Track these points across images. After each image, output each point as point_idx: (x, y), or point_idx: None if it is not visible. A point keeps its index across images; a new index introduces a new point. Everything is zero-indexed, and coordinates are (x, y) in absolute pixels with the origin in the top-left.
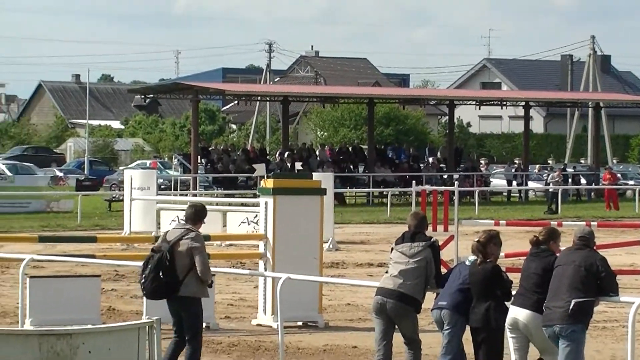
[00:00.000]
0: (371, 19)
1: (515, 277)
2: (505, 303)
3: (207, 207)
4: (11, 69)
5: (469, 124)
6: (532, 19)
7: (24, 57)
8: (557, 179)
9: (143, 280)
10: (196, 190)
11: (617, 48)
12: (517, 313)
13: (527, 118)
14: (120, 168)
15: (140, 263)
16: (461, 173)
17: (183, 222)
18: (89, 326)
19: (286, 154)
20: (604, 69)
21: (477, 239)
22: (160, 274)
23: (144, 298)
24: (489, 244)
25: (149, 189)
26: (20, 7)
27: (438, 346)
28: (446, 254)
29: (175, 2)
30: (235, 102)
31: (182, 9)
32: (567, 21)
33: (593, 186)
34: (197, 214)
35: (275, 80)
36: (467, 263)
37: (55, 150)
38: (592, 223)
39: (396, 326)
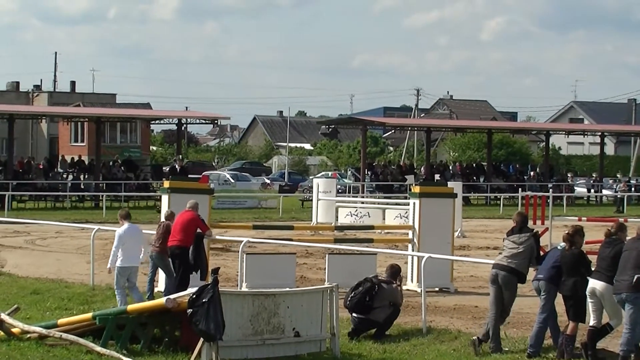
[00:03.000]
0: (493, 72)
1: (592, 258)
2: (587, 277)
3: (371, 205)
4: (235, 107)
5: (559, 148)
6: (608, 71)
7: (244, 98)
8: (623, 188)
9: (352, 295)
10: (364, 193)
11: None
12: (595, 284)
13: (602, 144)
14: (310, 177)
15: (324, 245)
16: (554, 183)
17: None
18: (287, 289)
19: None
20: None
21: (567, 232)
22: (367, 298)
23: (327, 269)
24: (576, 236)
25: (330, 192)
26: (238, 63)
27: (536, 307)
28: (543, 241)
29: (352, 60)
30: (392, 131)
31: (357, 64)
32: (633, 73)
33: None
34: (396, 273)
35: (421, 115)
36: (559, 248)
37: (264, 164)
38: None
39: None
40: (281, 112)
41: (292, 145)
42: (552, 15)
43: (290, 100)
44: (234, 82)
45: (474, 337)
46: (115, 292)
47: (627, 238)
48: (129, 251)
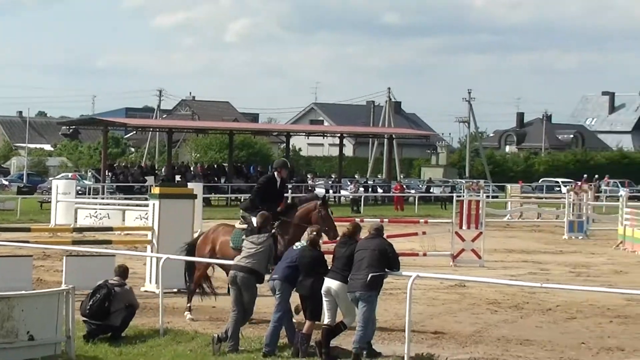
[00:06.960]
0: (236, 73)
1: (328, 257)
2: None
3: (111, 207)
4: None
5: (300, 149)
6: (349, 74)
7: None
8: (354, 189)
9: (90, 304)
10: (104, 195)
11: (405, 96)
12: (330, 283)
13: (341, 145)
14: (50, 179)
15: (62, 247)
16: (294, 184)
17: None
18: (22, 292)
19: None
20: (396, 111)
21: (311, 233)
22: (106, 304)
23: (64, 272)
24: (318, 237)
25: (70, 194)
26: None
27: (272, 306)
28: None
29: (97, 60)
30: (134, 132)
31: (102, 65)
32: (374, 76)
33: (386, 194)
34: (124, 272)
35: (163, 116)
36: (294, 248)
37: (2, 165)
38: (385, 220)
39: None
40: (21, 112)
41: (32, 146)
42: (297, 18)
43: (31, 101)
44: None
45: (214, 335)
46: None
47: (361, 237)
48: None
